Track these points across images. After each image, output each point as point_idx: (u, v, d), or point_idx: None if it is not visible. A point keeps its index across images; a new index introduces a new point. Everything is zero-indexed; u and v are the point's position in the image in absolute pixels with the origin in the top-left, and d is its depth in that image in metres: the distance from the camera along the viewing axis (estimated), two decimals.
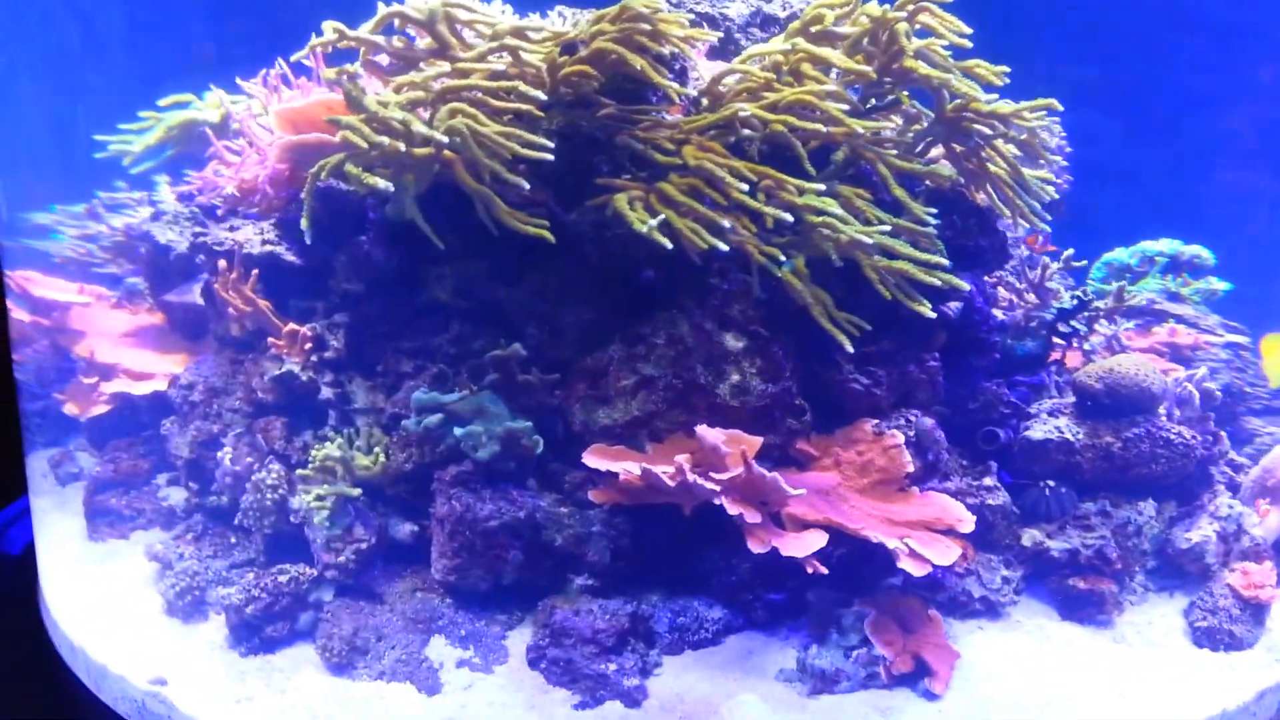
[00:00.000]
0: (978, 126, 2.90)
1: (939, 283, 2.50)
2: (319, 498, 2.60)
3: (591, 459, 2.52)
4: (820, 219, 2.55)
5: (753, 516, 2.26)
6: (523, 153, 2.51)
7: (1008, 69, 2.93)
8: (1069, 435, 2.83)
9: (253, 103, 3.42)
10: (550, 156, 2.51)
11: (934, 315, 2.51)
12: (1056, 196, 3.13)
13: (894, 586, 2.67)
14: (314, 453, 2.66)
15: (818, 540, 2.30)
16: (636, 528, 2.62)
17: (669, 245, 2.47)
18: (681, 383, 2.62)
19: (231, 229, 3.07)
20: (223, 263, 2.83)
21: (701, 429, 2.42)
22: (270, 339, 2.84)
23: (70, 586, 2.84)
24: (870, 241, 2.48)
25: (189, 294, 3.30)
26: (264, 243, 2.92)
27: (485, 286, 2.84)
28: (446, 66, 2.65)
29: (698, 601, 2.64)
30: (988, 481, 2.80)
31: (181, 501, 3.17)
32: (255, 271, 2.85)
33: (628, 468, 2.41)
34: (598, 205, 2.70)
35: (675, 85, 2.70)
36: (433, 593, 2.65)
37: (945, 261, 2.52)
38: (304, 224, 2.54)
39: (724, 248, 2.49)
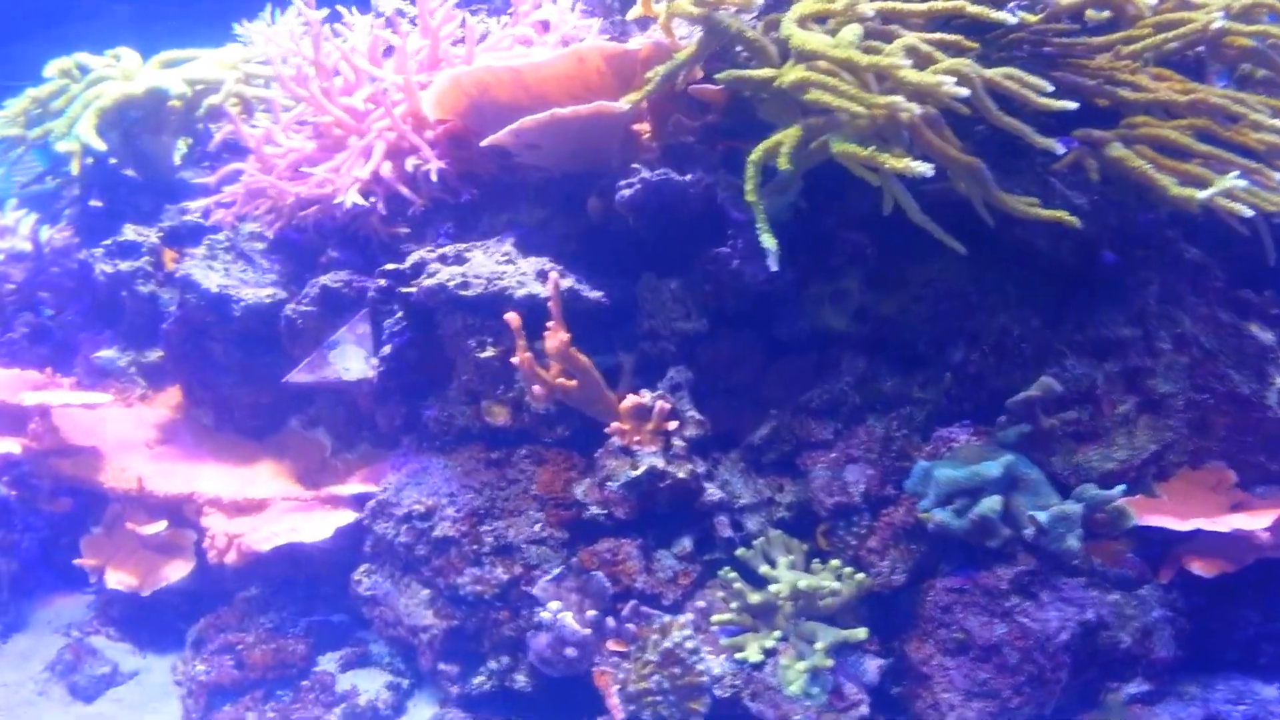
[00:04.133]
0: None
1: None
2: (763, 649, 2.02)
3: (1171, 522, 2.13)
4: None
5: None
6: (1042, 103, 2.04)
7: None
8: None
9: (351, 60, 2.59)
10: (1073, 105, 2.05)
11: None
12: None
13: None
14: (772, 589, 2.05)
15: None
16: (1189, 604, 2.26)
17: (1247, 213, 2.10)
18: (1212, 397, 2.28)
19: (447, 258, 2.29)
20: (514, 317, 2.09)
21: None
22: (613, 425, 2.15)
23: None
24: None
25: (324, 368, 2.45)
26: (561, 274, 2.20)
27: (881, 300, 2.32)
28: None
29: (1236, 680, 2.34)
30: None
31: (385, 691, 2.38)
32: (554, 324, 2.13)
33: (1253, 523, 2.05)
34: (1062, 168, 2.28)
35: None
36: None
37: None
38: (768, 242, 1.90)
39: None
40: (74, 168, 2.78)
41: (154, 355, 2.82)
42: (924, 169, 1.87)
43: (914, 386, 2.32)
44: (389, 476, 2.38)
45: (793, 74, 1.95)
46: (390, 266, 2.35)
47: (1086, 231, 2.35)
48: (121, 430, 2.62)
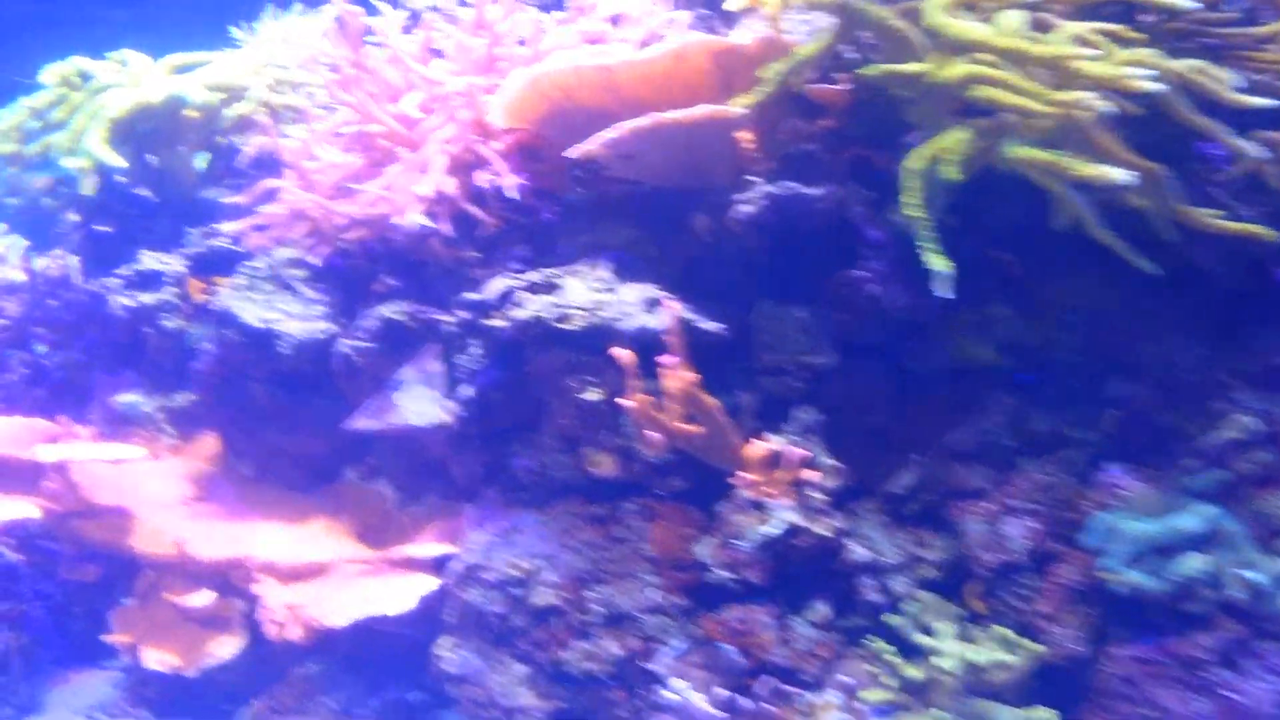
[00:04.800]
0: None
1: None
2: None
3: None
4: None
5: None
6: (1234, 99, 1.84)
7: None
8: None
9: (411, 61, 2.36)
10: (1266, 103, 1.86)
11: None
12: None
13: None
14: (936, 662, 1.83)
15: None
16: None
17: None
18: None
19: (536, 286, 2.06)
20: (625, 353, 1.85)
21: None
22: (740, 475, 1.91)
23: None
24: None
25: (390, 413, 2.21)
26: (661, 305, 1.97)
27: (1031, 329, 2.11)
28: None
29: None
30: None
31: None
32: (676, 362, 1.90)
33: None
34: (1231, 176, 2.07)
35: None
36: None
37: None
38: (939, 265, 1.68)
39: None
40: (86, 187, 2.52)
41: (183, 399, 2.57)
42: (1121, 176, 1.66)
43: (1071, 425, 2.11)
44: (472, 535, 2.13)
45: (956, 68, 1.74)
46: (473, 297, 2.11)
47: (1258, 246, 2.15)
48: (152, 486, 2.36)
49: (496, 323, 2.06)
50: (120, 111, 2.59)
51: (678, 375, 1.84)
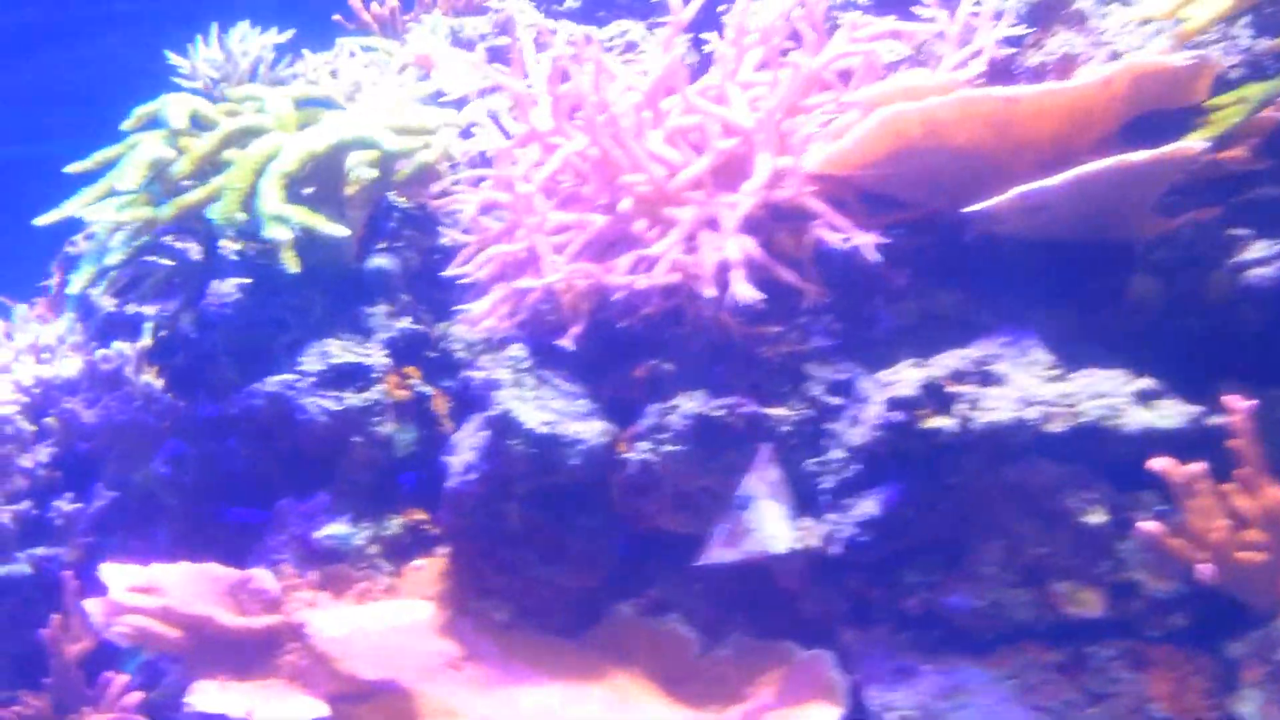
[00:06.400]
0: None
1: None
2: None
3: None
4: None
5: None
6: None
7: None
8: None
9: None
10: None
11: None
12: None
13: None
14: None
15: None
16: None
17: None
18: None
19: (962, 375, 1.54)
20: (1172, 465, 1.35)
21: None
22: None
23: None
24: None
25: (745, 538, 1.65)
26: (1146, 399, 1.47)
27: None
28: None
29: None
30: None
31: None
32: (1255, 474, 1.41)
33: None
34: None
35: None
36: None
37: None
38: None
39: None
40: (290, 262, 1.85)
41: (396, 524, 1.92)
42: None
43: None
44: (882, 695, 1.59)
45: None
46: (902, 394, 1.55)
47: None
48: (405, 645, 1.73)
49: (936, 423, 1.51)
50: (292, 164, 1.95)
51: (1267, 491, 1.33)
